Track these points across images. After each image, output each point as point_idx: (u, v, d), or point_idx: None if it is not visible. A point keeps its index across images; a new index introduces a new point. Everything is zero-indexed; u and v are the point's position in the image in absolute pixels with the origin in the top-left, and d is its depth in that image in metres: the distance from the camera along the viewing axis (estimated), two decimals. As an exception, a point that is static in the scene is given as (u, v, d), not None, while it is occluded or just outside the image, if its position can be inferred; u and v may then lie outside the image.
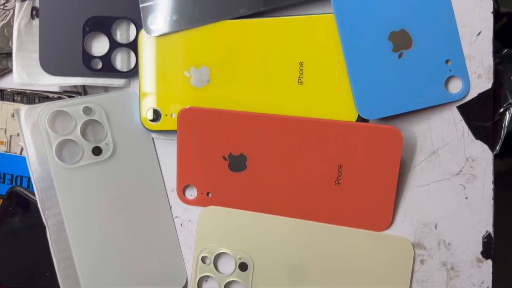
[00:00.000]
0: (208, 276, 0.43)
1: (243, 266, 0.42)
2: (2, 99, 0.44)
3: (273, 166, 0.40)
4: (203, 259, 0.42)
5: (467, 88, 0.38)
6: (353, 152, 0.39)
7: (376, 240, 0.40)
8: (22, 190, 0.42)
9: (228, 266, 0.42)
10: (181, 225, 0.44)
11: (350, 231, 0.40)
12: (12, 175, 0.44)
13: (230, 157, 0.41)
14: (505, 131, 0.38)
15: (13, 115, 0.45)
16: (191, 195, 0.43)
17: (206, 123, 0.40)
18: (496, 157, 0.38)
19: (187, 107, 0.40)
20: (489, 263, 0.39)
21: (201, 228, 0.42)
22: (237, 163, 0.41)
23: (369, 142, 0.38)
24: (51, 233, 0.39)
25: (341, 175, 0.39)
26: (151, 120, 0.42)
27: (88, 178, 0.40)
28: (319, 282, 0.41)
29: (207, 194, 0.42)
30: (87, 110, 0.41)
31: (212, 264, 0.42)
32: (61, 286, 0.39)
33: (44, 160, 0.39)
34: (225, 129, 0.40)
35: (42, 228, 0.39)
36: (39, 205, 0.39)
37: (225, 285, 0.42)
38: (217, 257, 0.42)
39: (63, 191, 0.39)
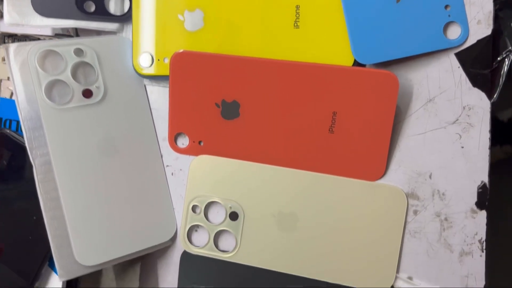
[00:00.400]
0: (198, 226, 0.42)
1: (233, 215, 0.41)
2: (-7, 42, 0.44)
3: (267, 113, 0.40)
4: (194, 208, 0.41)
5: (466, 34, 0.37)
6: (348, 98, 0.38)
7: (368, 190, 0.39)
8: (10, 132, 0.42)
9: (218, 216, 0.42)
10: (172, 174, 0.43)
11: (342, 180, 0.39)
12: (1, 119, 0.43)
13: (223, 104, 0.40)
14: (503, 79, 0.37)
15: (3, 59, 0.44)
16: (183, 143, 0.42)
17: (199, 68, 0.40)
18: (493, 105, 0.37)
19: (180, 51, 0.40)
20: (483, 214, 0.38)
21: (192, 177, 0.41)
22: (230, 110, 0.40)
23: (365, 87, 0.37)
24: (38, 172, 0.38)
25: (335, 122, 0.39)
26: (144, 65, 0.41)
27: (78, 120, 0.39)
28: (309, 232, 0.40)
29: (199, 142, 0.42)
30: (78, 52, 0.40)
31: (202, 214, 0.41)
32: (47, 227, 0.38)
33: (33, 99, 0.38)
34: (218, 74, 0.40)
35: (29, 171, 0.39)
36: (26, 144, 0.38)
37: (215, 234, 0.41)
38: (208, 206, 0.41)
39: (51, 131, 0.38)
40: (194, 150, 0.42)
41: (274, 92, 0.39)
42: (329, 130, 0.39)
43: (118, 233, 0.40)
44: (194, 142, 0.42)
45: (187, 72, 0.40)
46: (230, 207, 0.41)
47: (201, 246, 0.42)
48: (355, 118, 0.38)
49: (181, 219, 0.42)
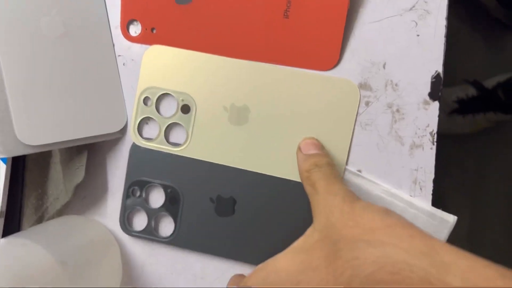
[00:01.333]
0: (149, 118, 0.41)
1: (185, 108, 0.40)
2: None
3: None
4: (145, 100, 0.40)
5: None
6: None
7: (321, 82, 0.38)
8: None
9: (170, 108, 0.41)
10: (123, 64, 0.42)
11: (296, 72, 0.38)
12: None
13: (176, -13, 0.39)
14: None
15: None
16: (135, 31, 0.41)
17: None
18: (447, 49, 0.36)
19: None
20: (436, 105, 0.37)
21: (145, 68, 0.40)
22: None
23: None
24: (-21, 44, 0.37)
25: (290, 5, 0.37)
26: None
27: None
28: (261, 125, 0.39)
29: (152, 30, 0.40)
30: None
31: (153, 106, 0.40)
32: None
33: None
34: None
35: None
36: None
37: (165, 127, 0.40)
38: (160, 98, 0.40)
39: (-5, 4, 0.37)
40: (146, 38, 0.41)
41: None
42: (283, 15, 0.38)
43: (64, 117, 0.39)
44: (146, 29, 0.40)
45: (140, -47, 0.38)
46: (182, 100, 0.40)
47: (152, 139, 0.41)
48: (310, 1, 0.37)
49: (132, 112, 0.41)
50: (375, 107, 0.38)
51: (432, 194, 0.37)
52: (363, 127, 0.38)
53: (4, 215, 0.42)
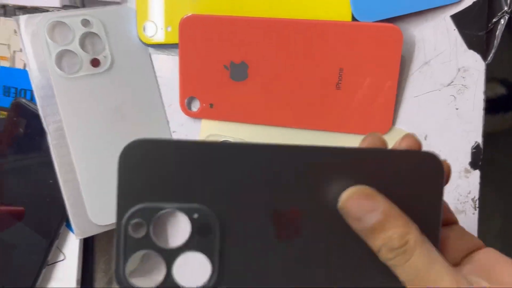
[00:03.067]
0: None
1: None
2: (5, 15, 0.46)
3: (274, 72, 0.41)
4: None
5: (461, -4, 0.38)
6: (353, 54, 0.39)
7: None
8: (25, 101, 0.44)
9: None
10: (178, 139, 0.45)
11: (346, 138, 0.37)
12: (16, 89, 0.45)
13: (232, 65, 0.42)
14: (498, 40, 0.37)
15: (15, 31, 0.46)
16: (194, 107, 0.44)
17: (206, 31, 0.41)
18: (488, 66, 0.38)
19: (188, 15, 0.41)
20: (476, 173, 0.39)
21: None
22: (238, 71, 0.42)
23: (369, 41, 0.38)
24: (52, 138, 0.41)
25: (341, 78, 0.40)
26: (148, 34, 0.43)
27: (87, 88, 0.41)
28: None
29: (210, 105, 0.43)
30: (85, 22, 0.41)
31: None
32: (62, 190, 0.41)
33: (44, 69, 0.40)
34: (226, 36, 0.41)
35: (44, 137, 0.41)
36: (40, 112, 0.41)
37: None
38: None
39: (62, 99, 0.40)
40: (205, 113, 0.43)
41: (280, 51, 0.40)
42: (336, 87, 0.40)
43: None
44: (205, 105, 0.43)
45: (195, 36, 0.41)
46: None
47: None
48: (361, 73, 0.39)
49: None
50: (418, 176, 0.40)
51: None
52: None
53: (80, 283, 0.46)
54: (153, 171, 0.24)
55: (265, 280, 0.24)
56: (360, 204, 0.23)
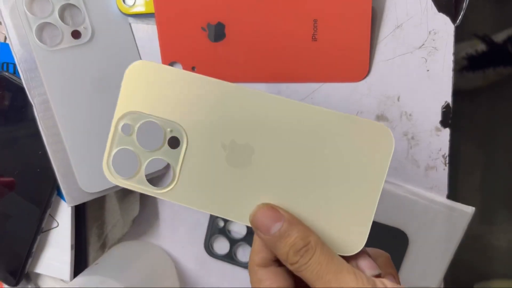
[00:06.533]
0: (126, 150, 0.31)
1: (173, 142, 0.31)
2: (-18, -12, 0.45)
3: (251, 29, 0.42)
4: (124, 128, 0.31)
5: (431, -40, 0.39)
6: (324, 3, 0.40)
7: (345, 122, 0.29)
8: (9, 75, 0.45)
9: (154, 140, 0.31)
10: (161, 107, 0.46)
11: (316, 109, 0.30)
12: (-2, 62, 0.46)
13: (209, 26, 0.42)
14: (467, 2, 0.39)
15: (-6, 4, 0.46)
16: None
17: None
18: (457, 29, 0.39)
19: (160, -16, 0.41)
20: (446, 131, 0.41)
21: (126, 89, 0.31)
22: (216, 32, 0.43)
23: None
24: (38, 111, 0.42)
25: (317, 29, 0.41)
26: (126, 4, 0.43)
27: (69, 60, 0.42)
28: (266, 169, 0.30)
29: (192, 68, 0.44)
30: (63, -6, 0.42)
31: (134, 135, 0.31)
32: (51, 160, 0.42)
33: (26, 42, 0.41)
34: (200, -1, 0.41)
35: (30, 110, 0.42)
36: (24, 85, 0.41)
37: (147, 163, 0.31)
38: (142, 127, 0.31)
39: (46, 72, 0.41)
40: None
41: (255, 8, 0.41)
42: (312, 38, 0.41)
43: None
44: (187, 68, 0.44)
45: (170, 1, 0.42)
46: (170, 131, 0.31)
47: (129, 176, 0.31)
48: (335, 23, 0.40)
49: (107, 141, 0.31)
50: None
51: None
52: (382, 153, 0.43)
53: (74, 248, 0.48)
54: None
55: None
56: (267, 215, 0.28)
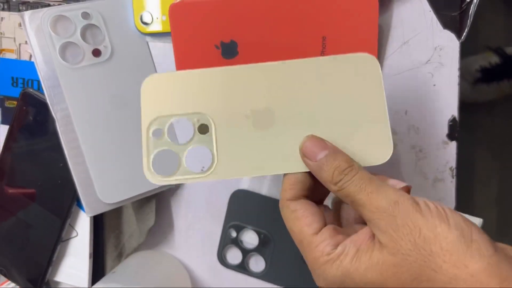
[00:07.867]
0: (164, 151, 0.34)
1: (203, 128, 0.34)
2: (9, 10, 0.48)
3: (263, 47, 0.44)
4: (155, 133, 0.34)
5: (435, -22, 0.40)
6: (333, 22, 0.42)
7: (335, 62, 0.34)
8: (33, 91, 0.47)
9: (185, 134, 0.34)
10: (177, 121, 0.48)
11: (306, 61, 0.35)
12: (23, 79, 0.48)
13: (222, 44, 0.44)
14: (471, 19, 0.40)
15: (20, 24, 0.48)
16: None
17: (195, 15, 0.43)
18: (462, 45, 0.41)
19: (176, 2, 0.43)
20: (453, 144, 0.42)
21: (147, 99, 0.35)
22: (229, 49, 0.44)
23: (347, 9, 0.41)
24: (60, 125, 0.44)
25: (325, 46, 0.42)
26: (144, 24, 0.45)
27: (90, 77, 0.44)
28: (288, 122, 0.34)
29: None
30: (85, 15, 0.44)
31: (166, 136, 0.34)
32: (72, 172, 0.44)
33: (50, 60, 0.43)
34: (214, 18, 0.43)
35: (52, 124, 0.44)
36: (47, 101, 0.44)
37: (185, 154, 0.34)
38: (170, 126, 0.34)
39: (68, 88, 0.44)
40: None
41: (266, 26, 0.43)
42: (321, 55, 0.43)
43: (134, 174, 0.46)
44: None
45: (185, 21, 0.44)
46: (198, 120, 0.34)
47: (172, 172, 0.34)
48: (342, 40, 0.42)
49: (142, 149, 0.34)
50: (400, 148, 0.43)
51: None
52: (390, 166, 0.44)
53: (92, 256, 0.50)
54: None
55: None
56: (314, 143, 0.32)
